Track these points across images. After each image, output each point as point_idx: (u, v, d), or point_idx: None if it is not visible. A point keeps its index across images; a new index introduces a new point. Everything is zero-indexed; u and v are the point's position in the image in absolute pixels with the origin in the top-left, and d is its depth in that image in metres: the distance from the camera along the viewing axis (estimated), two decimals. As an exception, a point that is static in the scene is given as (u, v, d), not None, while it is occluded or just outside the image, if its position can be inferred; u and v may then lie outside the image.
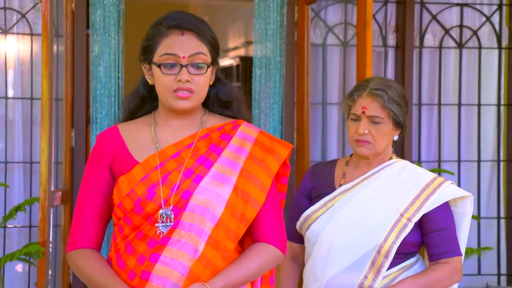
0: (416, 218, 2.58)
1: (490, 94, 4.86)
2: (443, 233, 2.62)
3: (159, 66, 2.03)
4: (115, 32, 4.17)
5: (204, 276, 1.99)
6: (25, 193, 4.24)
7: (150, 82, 2.09)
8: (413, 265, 2.65)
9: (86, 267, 2.03)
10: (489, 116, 4.86)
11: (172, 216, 2.00)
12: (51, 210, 3.77)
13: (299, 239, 2.76)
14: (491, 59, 4.84)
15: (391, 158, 2.70)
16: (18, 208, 3.72)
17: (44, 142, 3.56)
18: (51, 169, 3.64)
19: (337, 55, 4.66)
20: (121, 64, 4.19)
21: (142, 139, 2.10)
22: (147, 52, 2.07)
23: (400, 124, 2.64)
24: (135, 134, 2.11)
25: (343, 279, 2.57)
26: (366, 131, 2.59)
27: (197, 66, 2.04)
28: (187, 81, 2.02)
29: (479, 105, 4.83)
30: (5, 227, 4.00)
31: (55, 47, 3.88)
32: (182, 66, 2.02)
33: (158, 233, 1.99)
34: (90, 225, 2.08)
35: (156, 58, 2.04)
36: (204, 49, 2.05)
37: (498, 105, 4.85)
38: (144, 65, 2.09)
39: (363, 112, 2.59)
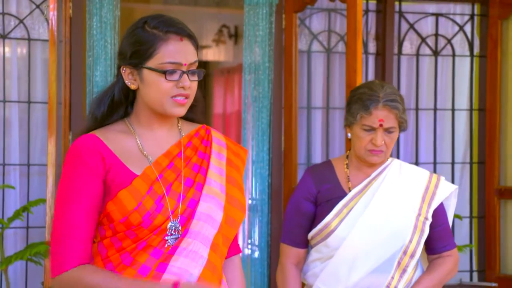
0: (430, 215, 2.65)
1: (462, 100, 5.08)
2: (443, 227, 2.72)
3: (163, 72, 1.96)
4: (111, 37, 4.28)
5: (212, 282, 2.01)
6: (21, 195, 4.29)
7: (132, 87, 2.01)
8: (419, 262, 2.73)
9: (100, 278, 1.89)
10: (462, 120, 5.09)
11: (180, 227, 1.98)
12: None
13: (305, 243, 2.77)
14: (464, 66, 5.06)
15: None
16: (24, 209, 3.79)
17: (52, 145, 3.65)
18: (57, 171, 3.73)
19: (321, 61, 4.83)
20: (117, 69, 4.29)
21: (130, 149, 2.02)
22: (137, 56, 1.98)
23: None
24: (120, 144, 2.02)
25: (370, 281, 2.62)
26: (383, 142, 2.64)
27: (195, 73, 2.02)
28: (189, 87, 2.00)
29: (452, 110, 5.05)
30: (3, 228, 4.05)
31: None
32: (183, 72, 1.98)
33: (166, 246, 1.96)
34: (84, 241, 1.93)
35: (154, 64, 1.96)
36: (196, 55, 2.03)
37: (470, 110, 5.08)
38: (124, 69, 2.01)
39: (381, 125, 2.62)
